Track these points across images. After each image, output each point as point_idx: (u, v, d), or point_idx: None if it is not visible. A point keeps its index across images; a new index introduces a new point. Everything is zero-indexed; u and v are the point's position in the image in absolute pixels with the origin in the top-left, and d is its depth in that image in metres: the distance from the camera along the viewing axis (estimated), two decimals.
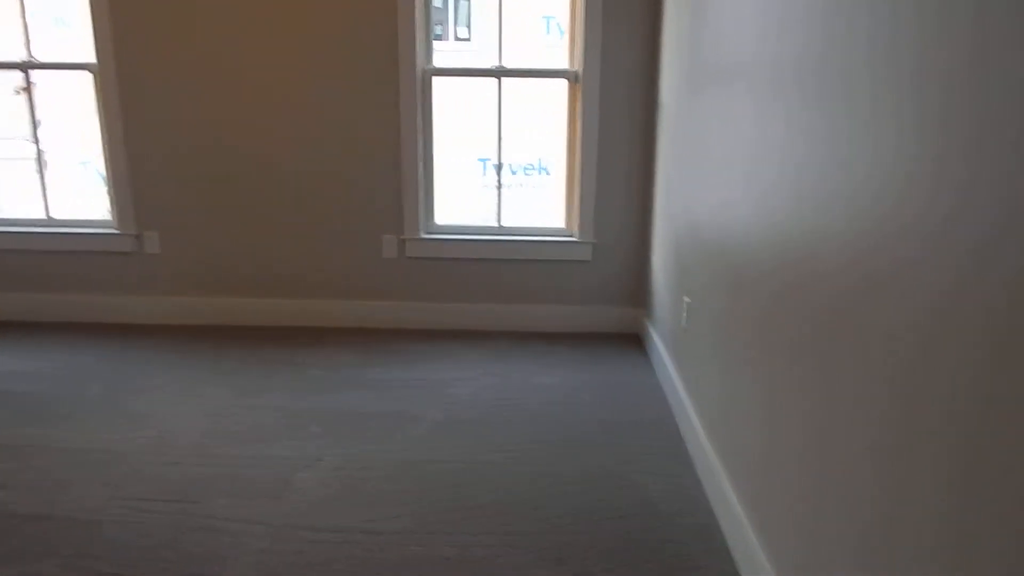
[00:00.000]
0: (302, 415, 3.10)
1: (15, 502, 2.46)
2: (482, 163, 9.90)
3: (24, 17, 3.84)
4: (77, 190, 4.31)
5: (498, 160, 4.10)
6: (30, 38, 3.87)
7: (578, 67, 3.86)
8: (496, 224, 4.15)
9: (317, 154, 3.92)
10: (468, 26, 9.33)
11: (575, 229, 4.06)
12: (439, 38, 9.71)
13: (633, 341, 4.02)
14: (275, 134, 3.90)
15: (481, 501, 2.50)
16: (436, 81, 3.91)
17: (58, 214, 4.12)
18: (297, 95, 3.85)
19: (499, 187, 4.13)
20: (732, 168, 2.38)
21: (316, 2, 3.74)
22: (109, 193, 3.99)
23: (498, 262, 4.08)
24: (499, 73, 3.92)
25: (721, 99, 2.55)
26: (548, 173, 9.55)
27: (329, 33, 3.77)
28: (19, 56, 3.89)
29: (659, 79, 3.71)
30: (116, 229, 4.03)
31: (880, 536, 1.34)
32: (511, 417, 3.11)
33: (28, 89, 3.92)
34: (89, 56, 3.81)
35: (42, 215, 4.10)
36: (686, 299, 2.99)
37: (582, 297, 4.12)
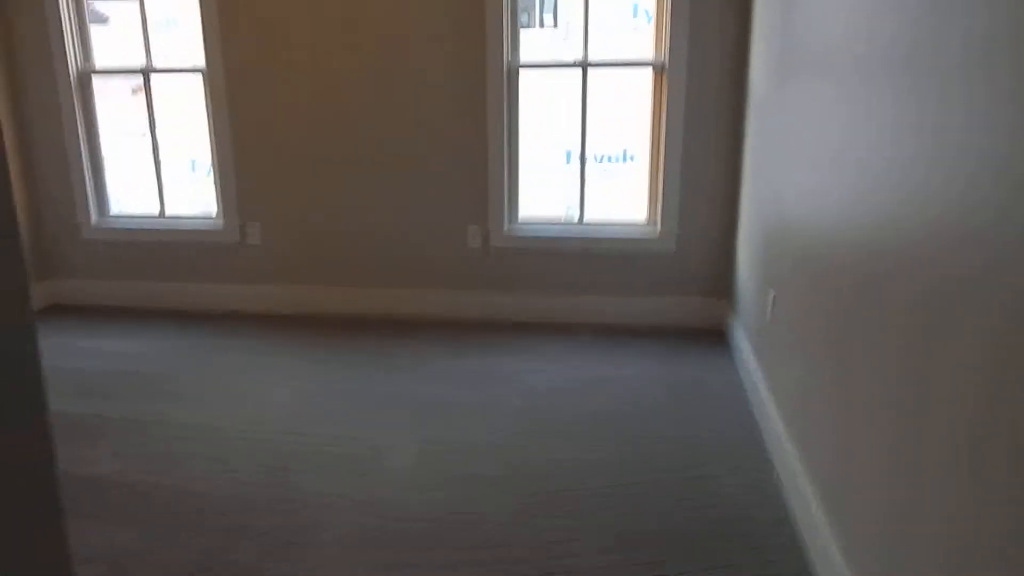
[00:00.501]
0: (388, 401, 3.25)
1: (132, 471, 2.70)
2: (567, 153, 9.95)
3: (145, 24, 4.14)
4: (187, 184, 4.62)
5: (581, 153, 4.13)
6: (149, 44, 4.17)
7: (664, 57, 3.84)
8: (578, 217, 4.18)
9: (406, 147, 4.06)
10: (555, 13, 9.38)
11: (658, 221, 4.05)
12: (525, 26, 9.78)
13: (716, 336, 3.97)
14: (367, 129, 4.06)
15: (558, 489, 2.56)
16: (522, 73, 3.97)
17: (170, 208, 4.43)
18: (388, 90, 3.99)
19: (582, 181, 4.16)
20: (820, 157, 2.33)
21: (406, 5, 3.87)
22: (215, 188, 4.27)
23: (580, 255, 4.11)
24: (584, 65, 3.95)
25: (810, 87, 2.50)
26: (634, 160, 9.52)
27: (418, 30, 3.89)
28: (139, 62, 4.20)
29: (748, 68, 3.64)
30: (221, 221, 4.30)
31: (970, 553, 1.27)
32: (589, 409, 3.16)
33: (146, 89, 4.23)
34: (199, 60, 4.07)
35: (156, 209, 4.43)
36: (772, 292, 2.95)
37: (665, 290, 4.10)
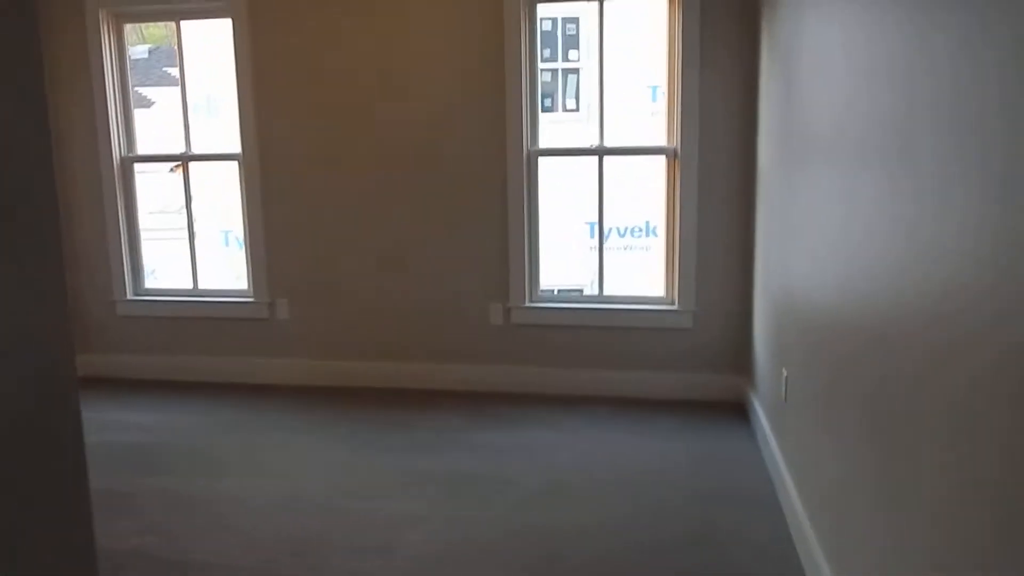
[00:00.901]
0: (412, 475, 3.32)
1: (162, 546, 2.77)
2: (589, 226, 10.14)
3: (185, 113, 4.41)
4: (219, 261, 4.81)
5: (599, 231, 4.28)
6: (189, 130, 4.43)
7: (676, 143, 4.02)
8: (598, 292, 4.31)
9: (431, 229, 4.24)
10: (576, 97, 9.73)
11: (675, 298, 4.16)
12: (549, 110, 10.16)
13: (736, 410, 4.03)
14: (392, 214, 4.25)
15: (576, 565, 2.60)
16: (541, 160, 4.17)
17: (203, 284, 4.61)
18: (412, 176, 4.20)
19: (600, 256, 4.30)
20: (820, 239, 2.46)
21: (430, 95, 4.11)
22: (247, 265, 4.45)
23: (600, 329, 4.22)
24: (600, 152, 4.14)
25: (809, 173, 2.64)
26: (656, 235, 9.67)
27: (442, 120, 4.12)
28: (179, 147, 4.45)
29: (756, 151, 3.81)
30: (252, 298, 4.47)
31: None
32: (608, 484, 3.21)
33: (184, 172, 4.46)
34: (235, 145, 4.31)
35: (189, 283, 4.61)
36: (784, 372, 3.03)
37: (683, 364, 4.19)
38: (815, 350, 2.55)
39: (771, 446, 3.27)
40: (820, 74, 2.54)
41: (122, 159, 4.46)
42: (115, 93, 4.38)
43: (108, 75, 4.33)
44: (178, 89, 4.39)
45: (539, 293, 4.32)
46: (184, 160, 4.44)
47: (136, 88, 4.66)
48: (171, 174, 5.87)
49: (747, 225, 3.97)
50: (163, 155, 4.54)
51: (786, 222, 3.07)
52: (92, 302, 4.64)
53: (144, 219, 4.65)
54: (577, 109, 8.51)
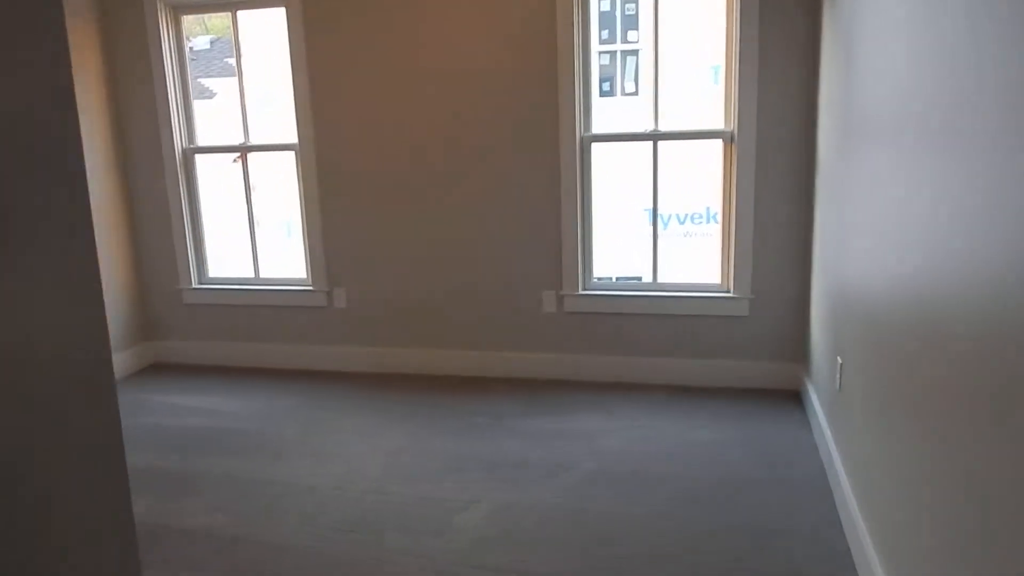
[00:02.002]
0: (466, 459, 3.35)
1: (224, 525, 2.87)
2: (648, 212, 9.99)
3: (243, 104, 4.52)
4: (280, 250, 4.93)
5: (653, 218, 4.23)
6: (247, 121, 4.54)
7: (733, 127, 3.94)
8: (652, 280, 4.26)
9: (484, 217, 4.26)
10: (636, 80, 9.58)
11: (731, 285, 4.09)
12: (608, 94, 10.02)
13: (792, 398, 3.95)
14: (445, 202, 4.29)
15: (627, 551, 2.60)
16: (595, 147, 4.14)
17: (264, 272, 4.74)
18: (466, 163, 4.22)
19: (655, 244, 4.25)
20: (876, 226, 2.38)
21: (483, 82, 4.11)
22: (305, 255, 4.55)
23: (653, 317, 4.18)
24: (655, 137, 4.08)
25: (869, 157, 2.56)
26: (716, 221, 9.48)
27: (496, 106, 4.12)
28: (238, 138, 4.57)
29: (816, 135, 3.71)
30: (311, 286, 4.57)
31: None
32: (660, 470, 3.19)
33: (243, 163, 4.58)
34: (292, 136, 4.40)
35: (251, 273, 4.74)
36: (839, 359, 2.95)
37: (739, 352, 4.12)
38: (870, 339, 2.47)
39: (825, 435, 3.19)
40: (881, 53, 2.45)
41: (183, 150, 4.61)
42: (175, 84, 4.51)
43: (168, 67, 4.46)
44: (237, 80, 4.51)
45: (592, 281, 4.30)
46: (243, 151, 4.55)
47: (199, 79, 4.80)
48: (234, 164, 5.98)
49: (805, 211, 3.87)
50: (223, 146, 4.65)
51: (843, 208, 2.99)
52: (159, 291, 4.81)
53: (207, 209, 4.79)
54: (636, 93, 8.40)
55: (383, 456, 3.43)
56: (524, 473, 3.22)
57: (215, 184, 4.84)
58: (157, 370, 4.77)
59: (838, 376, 2.96)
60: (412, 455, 3.43)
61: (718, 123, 4.05)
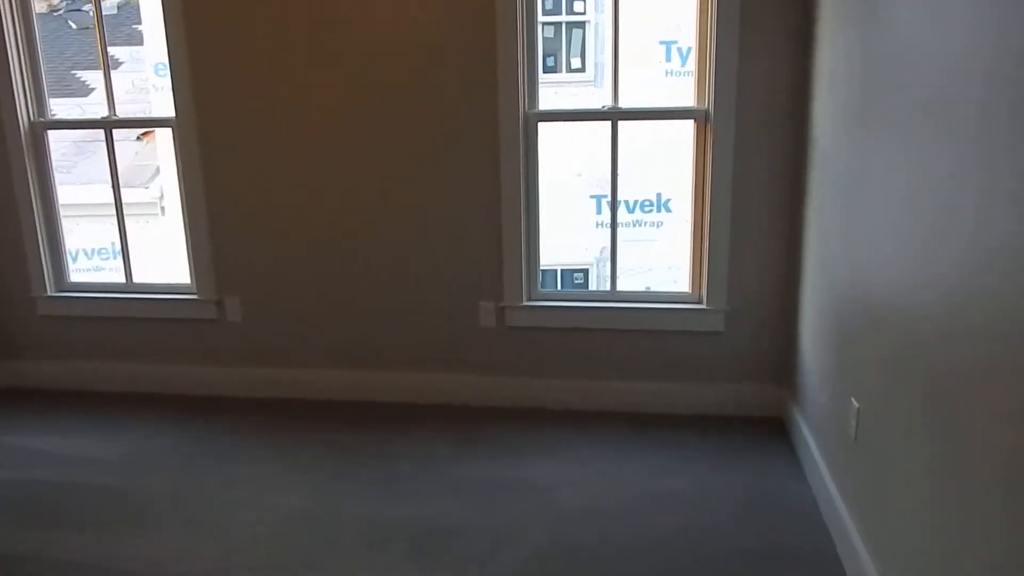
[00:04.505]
0: (384, 527, 2.63)
1: None
2: (595, 200, 9.23)
3: (107, 73, 3.63)
4: (159, 251, 4.08)
5: (612, 208, 3.54)
6: (113, 94, 3.65)
7: (708, 105, 3.27)
8: (609, 289, 3.59)
9: (406, 212, 3.49)
10: (582, 56, 8.80)
11: (703, 294, 3.44)
12: (552, 70, 9.20)
13: (775, 428, 3.34)
14: (361, 193, 3.50)
15: None
16: (542, 126, 3.41)
17: (138, 277, 3.87)
18: (386, 148, 3.44)
19: (613, 242, 3.57)
20: (930, 226, 1.74)
21: (405, 49, 3.33)
22: (188, 255, 3.70)
23: (613, 332, 3.51)
24: (614, 115, 3.38)
25: (906, 138, 1.92)
26: (670, 211, 8.80)
27: (420, 79, 3.34)
28: (102, 113, 3.67)
29: (811, 114, 3.06)
30: (196, 295, 3.73)
31: None
32: (627, 542, 2.52)
33: (107, 141, 3.69)
34: (169, 111, 3.53)
35: (122, 279, 3.86)
36: (855, 403, 2.33)
37: (713, 374, 3.48)
38: (914, 377, 1.84)
39: (829, 488, 2.58)
40: (927, 19, 1.79)
41: (31, 124, 3.67)
42: (17, 40, 3.57)
43: (8, 28, 3.53)
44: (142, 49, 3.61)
45: (539, 291, 3.59)
46: (106, 126, 3.65)
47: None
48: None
49: (794, 203, 3.24)
50: (82, 120, 3.75)
51: (858, 200, 2.35)
52: (6, 300, 3.89)
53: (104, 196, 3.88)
54: (583, 69, 7.61)
55: (275, 525, 2.67)
56: (458, 547, 2.51)
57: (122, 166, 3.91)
58: (11, 398, 3.86)
59: (854, 423, 2.34)
60: (313, 523, 2.68)
61: (689, 100, 3.37)
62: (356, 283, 3.60)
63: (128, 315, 3.81)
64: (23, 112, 3.63)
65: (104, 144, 3.75)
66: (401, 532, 2.60)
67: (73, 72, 8.35)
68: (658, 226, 7.18)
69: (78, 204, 4.35)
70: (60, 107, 6.86)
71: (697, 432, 3.32)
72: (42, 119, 3.69)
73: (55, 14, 9.21)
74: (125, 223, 3.80)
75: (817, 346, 2.91)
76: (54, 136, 3.74)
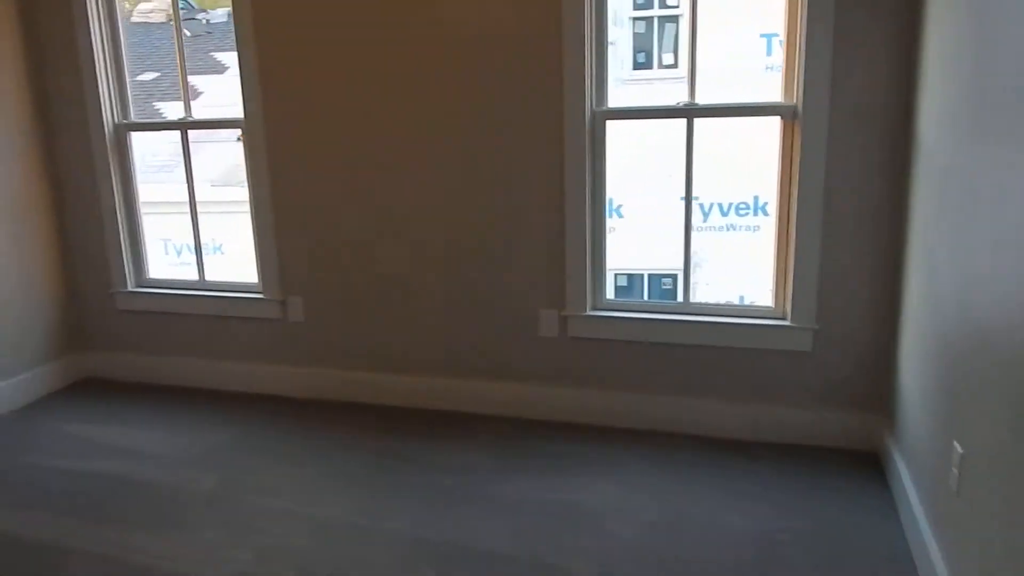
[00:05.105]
0: (417, 545, 2.47)
1: None
2: (686, 202, 8.80)
3: (184, 78, 3.69)
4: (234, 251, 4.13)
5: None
6: (188, 96, 3.72)
7: (797, 100, 2.95)
8: (683, 299, 3.31)
9: (468, 216, 3.35)
10: (675, 51, 8.42)
11: (787, 309, 3.11)
12: (643, 66, 8.86)
13: (866, 462, 2.97)
14: (423, 196, 3.39)
15: None
16: (611, 125, 3.18)
17: (211, 275, 3.91)
18: (448, 150, 3.31)
19: (687, 247, 3.28)
20: None
21: (468, 49, 3.19)
22: (256, 254, 3.70)
23: (684, 347, 3.23)
24: (690, 112, 3.11)
25: None
26: (767, 215, 8.23)
27: (483, 82, 3.19)
28: (178, 115, 3.75)
29: (915, 110, 2.69)
30: (262, 294, 3.73)
31: None
32: None
33: (183, 143, 3.75)
34: (239, 112, 3.55)
35: (195, 276, 3.92)
36: (958, 447, 1.98)
37: (796, 398, 3.14)
38: None
39: (926, 541, 2.22)
40: None
41: (115, 126, 3.79)
42: (103, 45, 3.69)
43: (96, 37, 3.65)
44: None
45: (604, 299, 3.35)
46: (183, 128, 3.71)
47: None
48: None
49: (895, 212, 2.87)
50: (161, 122, 3.84)
51: (970, 209, 2.00)
52: (91, 294, 4.03)
53: (151, 196, 4.00)
54: (676, 65, 7.27)
55: (309, 536, 2.57)
56: (490, 575, 2.32)
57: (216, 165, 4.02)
58: (85, 388, 4.00)
59: (955, 472, 1.99)
60: (346, 537, 2.56)
61: (776, 95, 3.06)
62: (415, 287, 3.49)
63: (198, 312, 3.86)
64: (108, 115, 3.75)
65: (206, 145, 3.82)
66: (434, 553, 2.44)
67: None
68: (755, 230, 6.74)
69: (178, 202, 4.50)
70: (170, 110, 7.21)
71: (773, 462, 3.00)
72: (125, 121, 3.80)
73: (171, 23, 9.76)
74: (199, 221, 3.85)
75: (917, 375, 2.54)
76: (162, 137, 3.83)
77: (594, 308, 3.33)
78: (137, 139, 3.84)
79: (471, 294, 3.42)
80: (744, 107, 3.13)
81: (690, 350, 3.23)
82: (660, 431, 3.27)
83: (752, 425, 3.19)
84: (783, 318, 3.14)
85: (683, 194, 3.26)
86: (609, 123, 3.17)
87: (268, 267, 3.68)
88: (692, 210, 3.26)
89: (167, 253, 4.60)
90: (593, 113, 3.14)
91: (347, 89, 3.37)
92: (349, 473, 3.00)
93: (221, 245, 5.87)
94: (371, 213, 3.48)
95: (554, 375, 3.40)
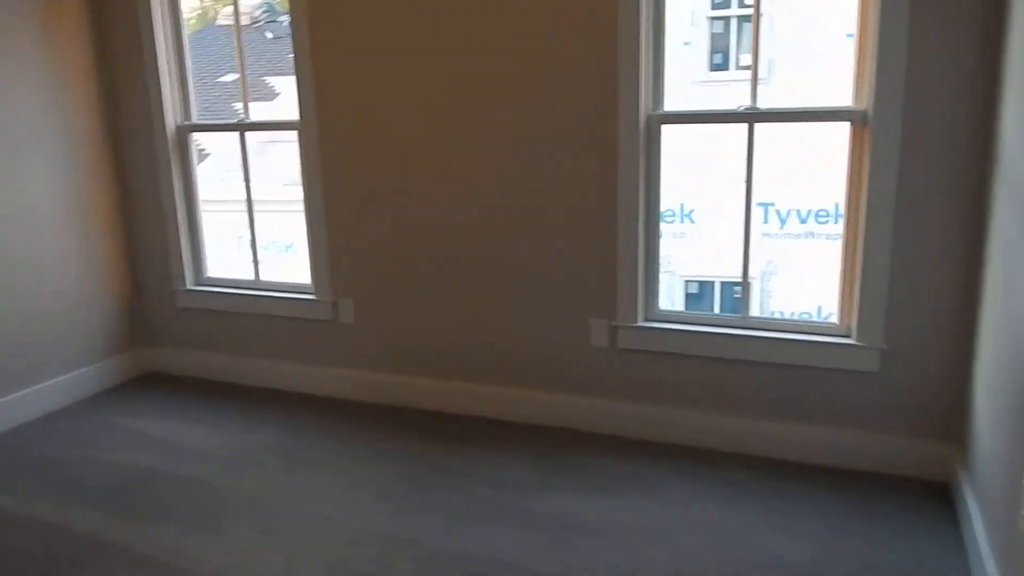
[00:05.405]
0: (441, 561, 2.41)
1: None
2: (762, 208, 8.45)
3: (243, 79, 3.75)
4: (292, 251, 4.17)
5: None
6: (248, 99, 3.78)
7: (867, 104, 2.77)
8: (742, 312, 3.15)
9: (518, 220, 3.27)
10: (755, 51, 8.18)
11: (854, 327, 2.92)
12: (720, 67, 8.61)
13: (934, 493, 2.75)
14: (472, 200, 3.33)
15: None
16: (666, 129, 3.05)
17: (266, 275, 3.96)
18: (498, 153, 3.24)
19: (746, 268, 3.13)
20: None
21: (517, 54, 3.12)
22: (309, 256, 3.72)
23: (741, 363, 3.07)
24: (751, 117, 2.96)
25: None
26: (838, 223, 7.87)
27: (535, 85, 3.12)
28: (238, 117, 3.81)
29: (999, 117, 2.48)
30: (314, 295, 3.75)
31: None
32: None
33: (241, 144, 3.80)
34: (295, 114, 3.57)
35: (251, 275, 3.97)
36: None
37: (860, 421, 2.94)
38: None
39: None
40: None
41: (177, 127, 3.88)
42: (168, 48, 3.78)
43: (160, 44, 3.75)
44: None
45: (657, 310, 3.23)
46: (240, 129, 3.77)
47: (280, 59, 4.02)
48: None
49: (975, 226, 2.65)
50: (221, 124, 3.91)
51: None
52: (155, 291, 4.14)
53: (209, 196, 4.07)
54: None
55: (339, 544, 2.54)
56: None
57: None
58: (145, 383, 4.10)
59: None
60: (375, 546, 2.51)
61: (846, 100, 2.88)
62: (462, 291, 3.44)
63: (253, 311, 3.91)
64: (170, 117, 3.84)
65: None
66: (458, 568, 2.37)
67: (263, 79, 9.03)
68: (835, 239, 6.46)
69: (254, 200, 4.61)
70: (250, 110, 7.43)
71: (831, 488, 2.81)
72: (187, 123, 3.88)
73: (255, 25, 10.05)
74: (255, 220, 3.90)
75: (991, 400, 2.33)
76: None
77: (646, 319, 3.21)
78: (219, 139, 3.90)
79: (520, 301, 3.35)
80: (810, 112, 2.96)
81: (746, 366, 3.07)
82: (709, 450, 3.12)
83: (810, 447, 3.00)
84: (847, 336, 2.95)
85: (758, 200, 3.11)
86: (665, 127, 3.04)
87: (320, 269, 3.69)
88: (752, 218, 3.10)
89: (240, 250, 4.67)
90: (648, 117, 3.02)
91: (400, 92, 3.35)
92: (386, 480, 2.96)
93: (292, 244, 5.95)
94: (420, 217, 3.44)
95: (602, 387, 3.29)
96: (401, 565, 2.40)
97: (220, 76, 8.47)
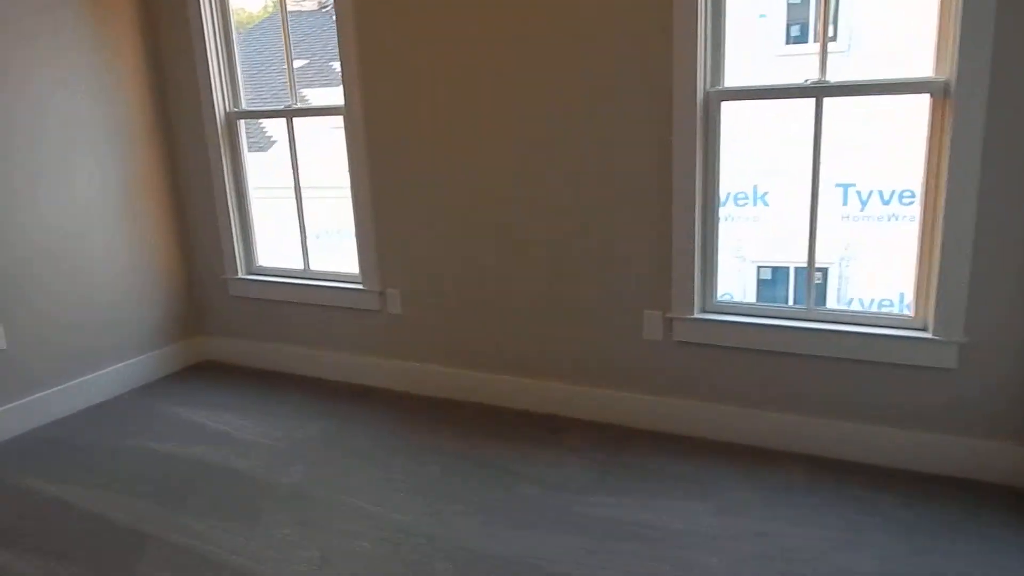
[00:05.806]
0: (480, 565, 2.30)
1: None
2: (841, 189, 7.99)
3: (290, 66, 3.70)
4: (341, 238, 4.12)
5: (811, 201, 2.88)
6: (295, 84, 3.72)
7: (949, 75, 2.51)
8: (806, 304, 2.94)
9: (568, 207, 3.13)
10: (835, 22, 7.79)
11: (929, 319, 2.68)
12: (799, 40, 8.23)
13: (1017, 500, 2.51)
14: (521, 188, 3.20)
15: None
16: (728, 107, 2.86)
17: (315, 264, 3.92)
18: (545, 140, 3.10)
19: (811, 257, 2.91)
20: None
21: (566, 34, 2.96)
22: (356, 245, 3.66)
23: (806, 358, 2.87)
24: (819, 91, 2.73)
25: None
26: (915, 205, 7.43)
27: (583, 69, 2.96)
28: (284, 104, 3.76)
29: None
30: (362, 285, 3.69)
31: None
32: None
33: (289, 132, 3.76)
34: (340, 99, 3.50)
35: (300, 264, 3.94)
36: None
37: (935, 422, 2.71)
38: None
39: None
40: None
41: (227, 114, 3.86)
42: (215, 35, 3.76)
43: (208, 32, 3.74)
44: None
45: (715, 301, 3.04)
46: (288, 115, 3.72)
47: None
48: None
49: None
50: (269, 110, 3.88)
51: None
52: (208, 280, 4.16)
53: (258, 185, 4.05)
54: (835, 38, 6.69)
55: (377, 542, 2.46)
56: None
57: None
58: (198, 372, 4.13)
59: None
60: (413, 546, 2.43)
61: (926, 70, 2.63)
62: (512, 282, 3.32)
63: (301, 300, 3.89)
64: (219, 104, 3.82)
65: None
66: (500, 570, 2.27)
67: (330, 63, 9.05)
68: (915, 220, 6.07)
69: (319, 187, 4.60)
70: (315, 96, 7.44)
71: (902, 494, 2.59)
72: (236, 109, 3.86)
73: (323, 10, 10.06)
74: (303, 207, 3.86)
75: None
76: (308, 124, 3.86)
77: (703, 311, 3.03)
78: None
79: (571, 291, 3.21)
80: (884, 84, 2.71)
81: (811, 361, 2.86)
82: (769, 449, 2.93)
83: (880, 449, 2.78)
84: (923, 329, 2.71)
85: (836, 180, 2.90)
86: (725, 105, 2.85)
87: (367, 259, 3.63)
88: (821, 201, 2.87)
89: (289, 238, 4.66)
90: (707, 94, 2.83)
91: (447, 79, 3.24)
92: (428, 475, 2.88)
93: (342, 230, 5.92)
94: (468, 206, 3.33)
95: (655, 381, 3.13)
96: (438, 566, 2.31)
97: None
